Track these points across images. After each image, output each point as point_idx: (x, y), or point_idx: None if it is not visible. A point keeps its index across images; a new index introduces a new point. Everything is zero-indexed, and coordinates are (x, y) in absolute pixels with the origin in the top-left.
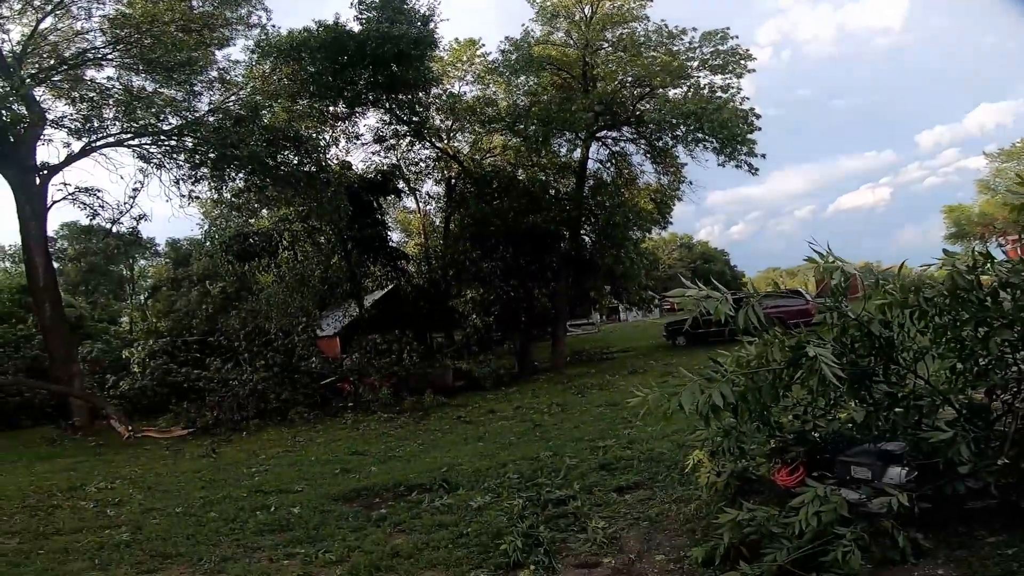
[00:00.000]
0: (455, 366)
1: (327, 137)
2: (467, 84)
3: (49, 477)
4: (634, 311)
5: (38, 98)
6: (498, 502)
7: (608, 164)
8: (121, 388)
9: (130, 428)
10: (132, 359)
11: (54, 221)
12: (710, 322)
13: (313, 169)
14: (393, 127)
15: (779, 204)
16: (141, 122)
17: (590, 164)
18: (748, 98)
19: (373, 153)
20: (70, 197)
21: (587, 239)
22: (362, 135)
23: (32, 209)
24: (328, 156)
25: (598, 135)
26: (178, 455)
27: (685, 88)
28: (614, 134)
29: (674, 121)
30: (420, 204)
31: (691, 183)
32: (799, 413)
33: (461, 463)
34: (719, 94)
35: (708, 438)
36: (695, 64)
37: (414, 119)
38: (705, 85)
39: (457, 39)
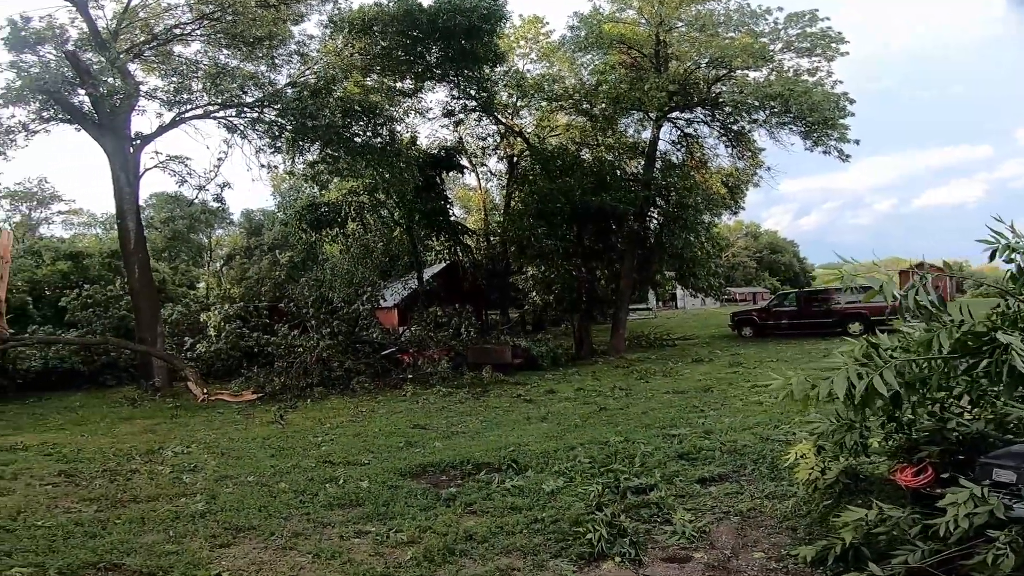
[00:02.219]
0: (514, 343)
1: (396, 112)
2: (531, 62)
3: (129, 439)
4: (691, 298)
5: (131, 71)
6: (571, 487)
7: (679, 146)
8: (198, 350)
9: (205, 391)
10: (209, 323)
11: (144, 190)
12: (781, 314)
13: (384, 141)
14: (462, 101)
15: (858, 195)
16: (226, 95)
17: (660, 145)
18: (841, 82)
19: (442, 126)
20: (161, 165)
21: (654, 221)
22: (430, 108)
23: (126, 176)
24: (396, 130)
25: (670, 116)
26: (249, 420)
27: (767, 70)
28: (686, 115)
29: (755, 103)
30: (481, 181)
31: (769, 168)
32: (935, 410)
33: (527, 443)
34: (805, 77)
35: (825, 431)
36: (778, 46)
37: (482, 94)
38: (790, 68)
39: (522, 16)
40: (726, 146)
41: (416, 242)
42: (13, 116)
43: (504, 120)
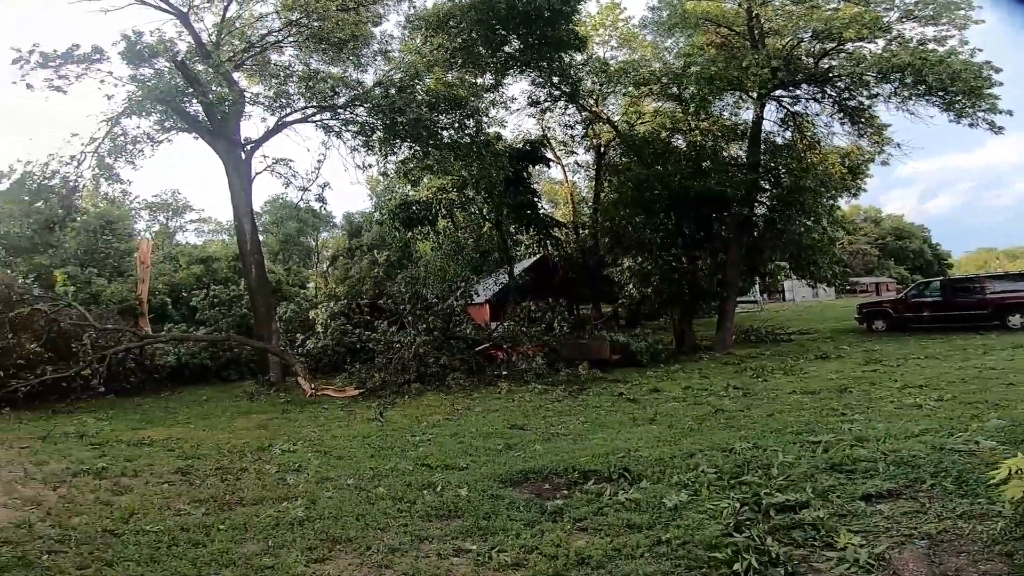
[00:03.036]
0: (611, 338)
1: (480, 104)
2: (612, 49)
3: (244, 434)
4: (802, 289)
5: (236, 80)
6: (697, 502)
7: (786, 125)
8: (308, 347)
9: (313, 385)
10: (317, 320)
11: (259, 196)
12: (921, 305)
13: (471, 135)
14: (547, 90)
15: (998, 175)
16: (319, 97)
17: (764, 125)
18: (981, 49)
19: (529, 115)
20: (269, 168)
21: (763, 207)
22: (515, 98)
23: (240, 180)
24: (482, 123)
25: (773, 94)
26: (351, 416)
27: (884, 41)
28: (792, 93)
29: (876, 76)
30: (567, 174)
31: (899, 145)
32: None
33: (637, 449)
34: (933, 47)
35: None
36: (894, 15)
37: (567, 81)
38: (912, 38)
39: (599, 2)
40: (841, 123)
41: (506, 237)
42: (138, 127)
43: (590, 108)
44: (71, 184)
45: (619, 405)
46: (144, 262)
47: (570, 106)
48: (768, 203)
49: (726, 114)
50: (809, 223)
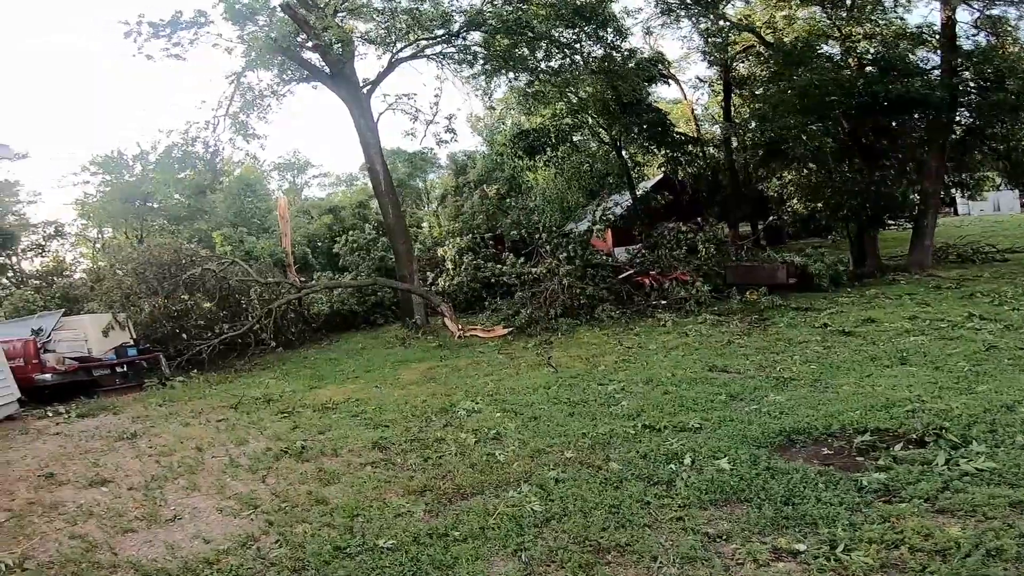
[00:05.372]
0: (783, 260)
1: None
2: None
3: (415, 391)
4: (974, 203)
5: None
6: None
7: (980, 29)
8: (439, 285)
9: (460, 327)
10: (445, 257)
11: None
12: None
13: (606, 48)
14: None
15: None
16: (429, 25)
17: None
18: None
19: (661, 26)
20: (392, 107)
21: (963, 112)
22: (640, 9)
23: (365, 122)
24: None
25: None
26: (514, 362)
27: None
28: None
29: None
30: (685, 91)
31: None
32: None
33: (921, 398)
34: None
35: None
36: None
37: None
38: None
39: None
40: None
41: (625, 159)
42: (260, 81)
43: (723, 16)
44: (211, 149)
45: (832, 339)
46: (284, 217)
47: (701, 19)
48: (971, 108)
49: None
50: None
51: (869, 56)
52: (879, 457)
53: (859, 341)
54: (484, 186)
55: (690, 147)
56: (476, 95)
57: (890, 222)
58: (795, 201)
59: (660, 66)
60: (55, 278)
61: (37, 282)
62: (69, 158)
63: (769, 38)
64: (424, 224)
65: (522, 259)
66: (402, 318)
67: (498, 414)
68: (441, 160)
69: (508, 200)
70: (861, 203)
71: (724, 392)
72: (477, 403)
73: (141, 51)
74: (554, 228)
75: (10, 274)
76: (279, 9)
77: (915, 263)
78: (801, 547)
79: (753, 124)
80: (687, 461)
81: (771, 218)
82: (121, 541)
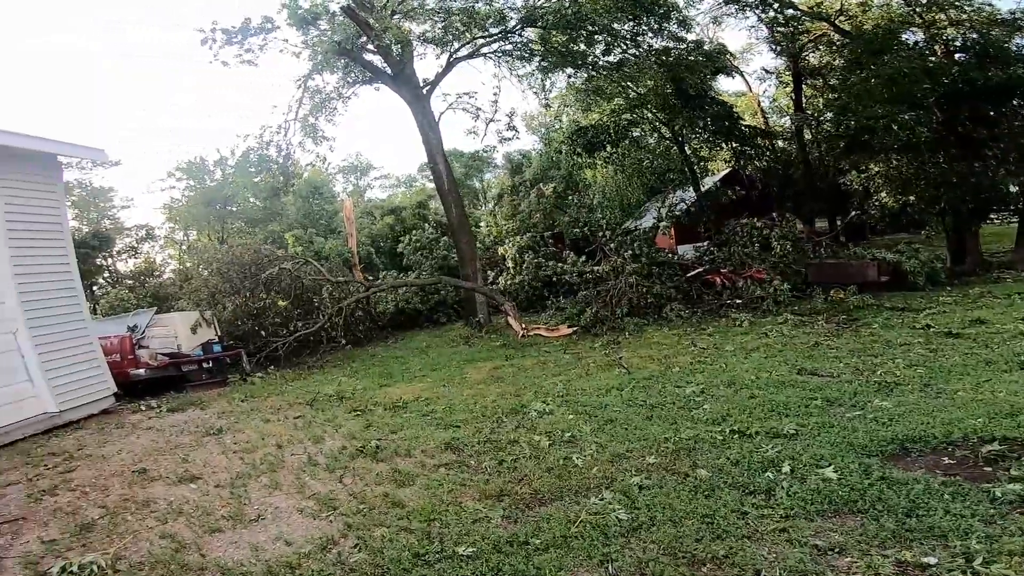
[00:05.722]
0: (873, 256)
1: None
2: None
3: (484, 390)
4: None
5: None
6: None
7: None
8: (499, 284)
9: (523, 326)
10: (506, 255)
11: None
12: None
13: (670, 37)
14: None
15: None
16: (485, 23)
17: None
18: None
19: (728, 14)
20: (453, 106)
21: None
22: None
23: (427, 121)
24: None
25: None
26: (582, 361)
27: None
28: None
29: None
30: (749, 83)
31: None
32: None
33: None
34: None
35: None
36: None
37: None
38: None
39: None
40: None
41: (687, 154)
42: (326, 84)
43: (797, 6)
44: (283, 152)
45: (937, 341)
46: (349, 218)
47: (764, 8)
48: None
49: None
50: None
51: (957, 44)
52: (1010, 467)
53: (969, 344)
54: (541, 185)
55: (759, 140)
56: (532, 92)
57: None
58: (883, 194)
59: (723, 58)
60: (147, 278)
61: (131, 282)
62: (156, 164)
63: (844, 26)
64: (482, 224)
65: (583, 257)
66: (465, 317)
67: (571, 416)
68: (497, 160)
69: (572, 197)
70: (960, 196)
71: (819, 396)
72: (548, 404)
73: (217, 58)
74: (616, 226)
75: (106, 274)
76: (339, 13)
77: (1021, 260)
78: (931, 560)
79: (829, 115)
80: (786, 469)
81: (853, 213)
82: (209, 541)
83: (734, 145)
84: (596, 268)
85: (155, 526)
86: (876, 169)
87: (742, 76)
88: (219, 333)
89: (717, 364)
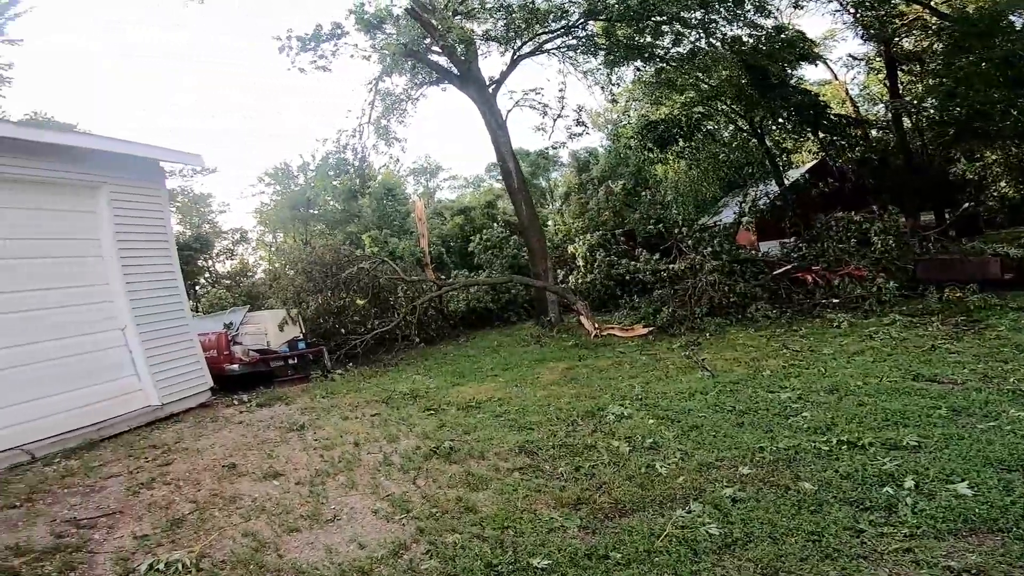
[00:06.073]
0: (996, 251)
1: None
2: None
3: (557, 391)
4: None
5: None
6: None
7: None
8: (569, 282)
9: (596, 325)
10: (576, 254)
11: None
12: None
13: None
14: None
15: None
16: (548, 18)
17: None
18: None
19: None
20: (520, 103)
21: None
22: None
23: (496, 120)
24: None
25: None
26: (660, 363)
27: None
28: None
29: None
30: (835, 70)
31: None
32: None
33: None
34: None
35: None
36: None
37: None
38: None
39: None
40: None
41: (768, 146)
42: (396, 86)
43: None
44: (359, 155)
45: None
46: (421, 219)
47: None
48: None
49: None
50: None
51: None
52: None
53: None
54: (609, 182)
55: (850, 130)
56: (598, 88)
57: None
58: (1003, 184)
59: (805, 45)
60: (241, 278)
61: (228, 282)
62: (248, 171)
63: (943, 9)
64: (549, 222)
65: (657, 255)
66: (535, 316)
67: (651, 420)
68: (563, 158)
69: (644, 193)
70: None
71: (943, 405)
72: (626, 407)
73: (295, 64)
74: (692, 222)
75: (207, 275)
76: (403, 17)
77: None
78: None
79: (932, 101)
80: (909, 484)
81: (966, 205)
82: (287, 541)
83: (821, 136)
84: (672, 266)
85: (239, 523)
86: (993, 157)
87: (825, 64)
88: (303, 331)
89: (814, 368)
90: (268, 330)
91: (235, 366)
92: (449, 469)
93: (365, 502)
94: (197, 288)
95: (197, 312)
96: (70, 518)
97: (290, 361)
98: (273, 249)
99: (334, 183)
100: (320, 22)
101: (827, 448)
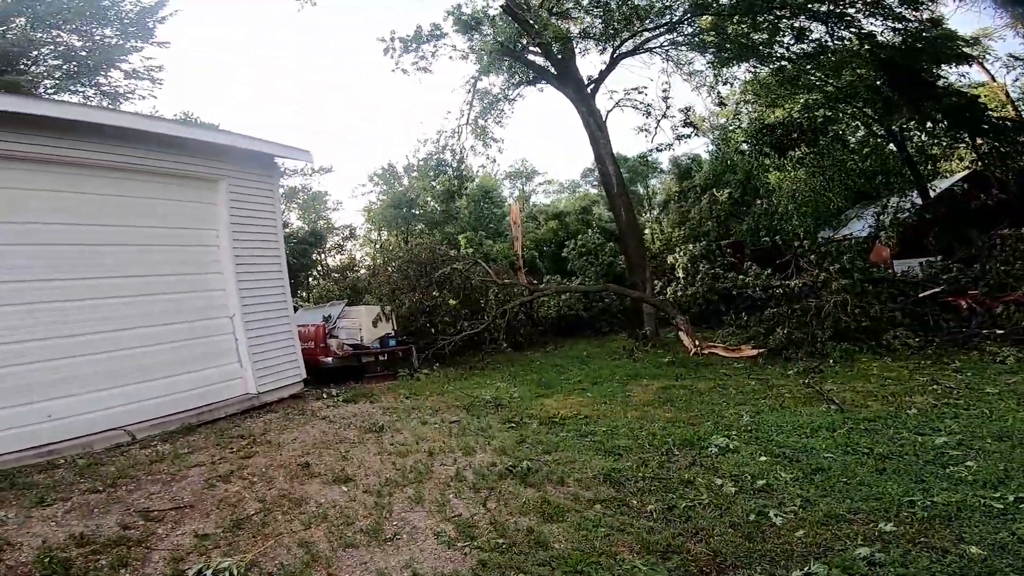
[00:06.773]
0: None
1: None
2: None
3: (651, 412)
4: None
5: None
6: None
7: None
8: (667, 294)
9: (696, 343)
10: (676, 264)
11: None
12: None
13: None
14: None
15: None
16: (649, 13)
17: None
18: None
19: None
20: (620, 104)
21: None
22: None
23: (595, 121)
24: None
25: None
26: (772, 390)
27: None
28: None
29: None
30: (992, 71)
31: None
32: None
33: None
34: None
35: None
36: None
37: None
38: None
39: None
40: None
41: (909, 152)
42: (493, 86)
43: None
44: (457, 156)
45: None
46: (516, 222)
47: None
48: None
49: None
50: None
51: None
52: None
53: None
54: (713, 190)
55: (1015, 135)
56: (705, 89)
57: None
58: None
59: (954, 44)
60: (348, 273)
61: (336, 275)
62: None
63: None
64: (646, 231)
65: (769, 270)
66: (630, 327)
67: (763, 457)
68: (663, 164)
69: (759, 203)
70: None
71: None
72: (732, 439)
73: (399, 66)
74: (814, 236)
75: (319, 268)
76: (499, 17)
77: None
78: None
79: None
80: None
81: None
82: (340, 558)
83: (980, 142)
84: (789, 283)
85: (298, 530)
86: None
87: (979, 64)
88: (395, 328)
89: (976, 409)
90: (362, 325)
91: (329, 359)
92: (524, 493)
93: (429, 522)
94: (309, 280)
95: (307, 302)
96: (143, 508)
97: (380, 358)
98: (377, 246)
99: (433, 183)
100: (419, 23)
101: (1000, 506)
